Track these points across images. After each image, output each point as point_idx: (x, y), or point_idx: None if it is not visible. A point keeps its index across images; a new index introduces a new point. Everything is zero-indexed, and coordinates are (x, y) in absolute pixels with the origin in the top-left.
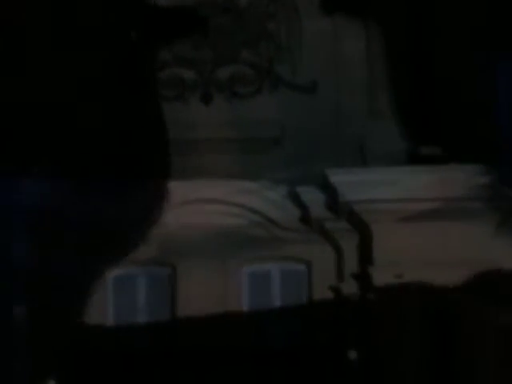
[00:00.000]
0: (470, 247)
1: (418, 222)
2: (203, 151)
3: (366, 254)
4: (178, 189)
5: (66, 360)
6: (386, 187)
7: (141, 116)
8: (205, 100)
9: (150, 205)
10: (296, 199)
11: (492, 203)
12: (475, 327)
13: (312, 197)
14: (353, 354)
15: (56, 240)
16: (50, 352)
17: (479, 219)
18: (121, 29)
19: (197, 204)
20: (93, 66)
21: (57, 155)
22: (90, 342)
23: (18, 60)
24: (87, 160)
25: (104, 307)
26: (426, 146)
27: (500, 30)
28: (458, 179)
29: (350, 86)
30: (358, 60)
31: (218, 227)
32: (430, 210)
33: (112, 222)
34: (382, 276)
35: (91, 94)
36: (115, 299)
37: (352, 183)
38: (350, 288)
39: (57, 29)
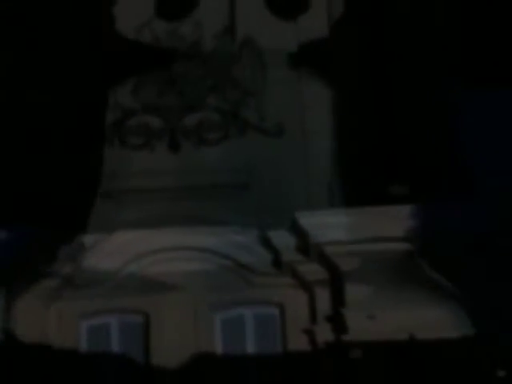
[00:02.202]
0: None
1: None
2: (171, 199)
3: (338, 296)
4: (146, 237)
5: None
6: (356, 228)
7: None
8: (172, 147)
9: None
10: (267, 243)
11: None
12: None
13: (283, 240)
14: None
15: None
16: None
17: None
18: (82, 75)
19: (166, 252)
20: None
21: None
22: None
23: None
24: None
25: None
26: (395, 185)
27: (462, 69)
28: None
29: (316, 129)
30: (323, 102)
31: (188, 273)
32: (401, 249)
33: None
34: (354, 317)
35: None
36: (89, 348)
37: (322, 225)
38: (324, 330)
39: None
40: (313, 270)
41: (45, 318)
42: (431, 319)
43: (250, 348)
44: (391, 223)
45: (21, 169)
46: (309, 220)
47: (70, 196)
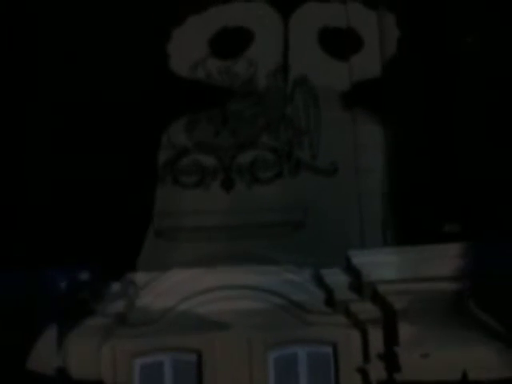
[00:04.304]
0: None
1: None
2: (224, 238)
3: (391, 335)
4: (199, 276)
5: None
6: (409, 267)
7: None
8: (226, 186)
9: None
10: (320, 282)
11: None
12: None
13: (336, 279)
14: None
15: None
16: None
17: None
18: (136, 113)
19: (220, 290)
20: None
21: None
22: None
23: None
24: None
25: None
26: (449, 223)
27: None
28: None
29: (370, 167)
30: (376, 141)
31: (242, 312)
32: (454, 288)
33: None
34: (408, 356)
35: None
36: None
37: (375, 264)
38: (377, 369)
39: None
40: (366, 309)
41: (98, 356)
42: (482, 359)
43: None
44: (444, 262)
45: (72, 207)
46: (362, 259)
47: (121, 234)
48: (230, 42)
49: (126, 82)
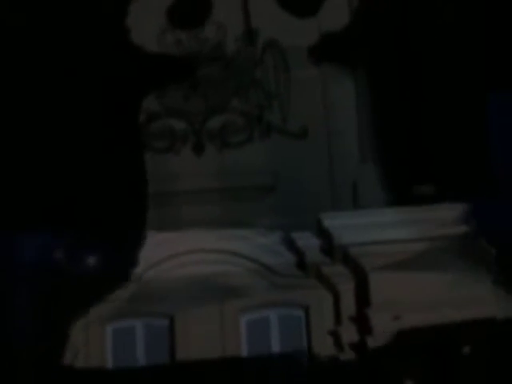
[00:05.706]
0: (465, 287)
1: (413, 262)
2: (196, 202)
3: (362, 297)
4: (172, 240)
5: None
6: (380, 229)
7: (124, 167)
8: (196, 150)
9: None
10: (291, 245)
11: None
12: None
13: (307, 242)
14: None
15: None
16: None
17: (472, 258)
18: (109, 79)
19: (191, 254)
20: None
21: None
22: None
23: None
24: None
25: (103, 359)
26: (419, 185)
27: (490, 67)
28: (449, 218)
29: (341, 129)
30: (346, 104)
31: (213, 276)
32: (424, 251)
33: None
34: (379, 318)
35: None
36: (114, 351)
37: (346, 226)
38: (349, 331)
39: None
40: (337, 272)
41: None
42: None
43: (276, 350)
44: (413, 223)
45: (50, 172)
46: (333, 221)
47: (96, 199)
48: (189, 11)
49: (91, 55)
